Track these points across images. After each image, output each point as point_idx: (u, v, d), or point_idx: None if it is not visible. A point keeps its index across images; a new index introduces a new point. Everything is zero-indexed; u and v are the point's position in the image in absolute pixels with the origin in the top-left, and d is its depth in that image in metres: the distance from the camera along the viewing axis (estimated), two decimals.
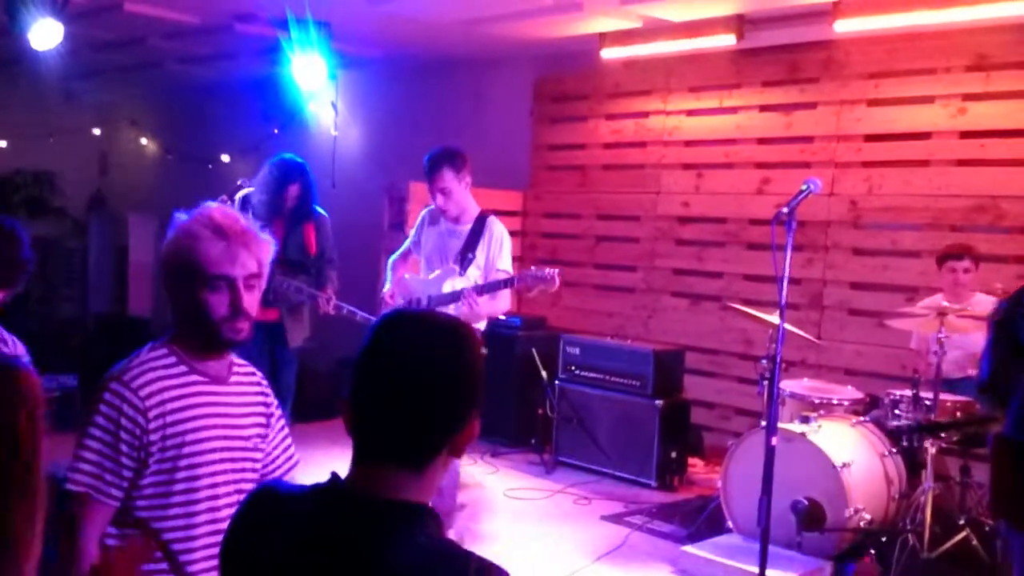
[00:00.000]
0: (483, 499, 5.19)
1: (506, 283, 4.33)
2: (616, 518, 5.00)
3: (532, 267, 4.34)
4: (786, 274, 3.42)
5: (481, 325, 4.39)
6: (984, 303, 4.56)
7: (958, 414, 4.38)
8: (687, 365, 6.04)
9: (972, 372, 4.48)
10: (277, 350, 5.00)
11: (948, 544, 4.10)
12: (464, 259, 4.36)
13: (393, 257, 4.74)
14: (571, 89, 7.37)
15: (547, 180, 7.53)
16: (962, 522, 4.18)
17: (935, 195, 5.52)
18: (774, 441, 3.24)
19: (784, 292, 3.38)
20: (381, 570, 1.21)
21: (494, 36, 6.81)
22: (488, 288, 4.30)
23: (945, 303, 4.63)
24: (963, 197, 5.42)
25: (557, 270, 4.25)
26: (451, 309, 4.23)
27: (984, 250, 5.06)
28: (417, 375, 1.28)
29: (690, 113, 6.70)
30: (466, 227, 4.42)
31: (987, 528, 4.16)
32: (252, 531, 1.36)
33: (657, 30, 6.32)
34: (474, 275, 4.36)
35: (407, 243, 4.72)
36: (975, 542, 4.10)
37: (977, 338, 4.63)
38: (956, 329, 4.50)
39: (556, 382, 6.01)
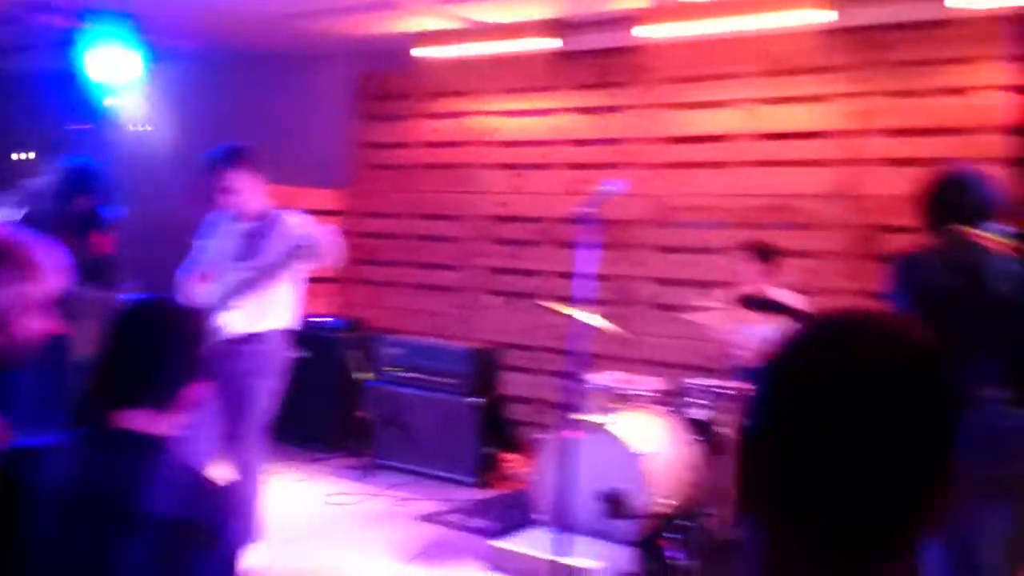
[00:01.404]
0: (299, 507, 5.07)
1: (285, 259, 4.00)
2: (433, 517, 4.98)
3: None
4: (584, 271, 3.50)
5: (283, 322, 4.23)
6: (781, 295, 4.80)
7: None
8: (504, 362, 6.10)
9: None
10: (61, 361, 4.67)
11: None
12: (248, 257, 4.13)
13: (183, 270, 4.37)
14: (393, 87, 7.33)
15: (368, 179, 7.45)
16: None
17: (735, 194, 5.79)
18: (572, 434, 3.30)
19: (585, 288, 3.45)
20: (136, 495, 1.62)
21: (314, 31, 6.69)
22: (268, 270, 4.03)
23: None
24: (761, 196, 5.70)
25: (327, 235, 3.96)
26: (250, 305, 4.08)
27: (781, 246, 5.33)
28: (130, 344, 1.79)
29: (508, 114, 6.78)
30: (249, 224, 4.20)
31: None
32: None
33: (475, 31, 6.36)
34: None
35: (194, 254, 4.40)
36: None
37: (770, 329, 4.89)
38: (754, 321, 4.71)
39: (374, 383, 5.94)
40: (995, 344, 2.84)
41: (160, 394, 1.75)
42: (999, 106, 4.96)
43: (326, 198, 7.31)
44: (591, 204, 3.79)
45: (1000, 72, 4.97)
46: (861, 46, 5.40)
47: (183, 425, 1.80)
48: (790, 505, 0.86)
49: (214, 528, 1.66)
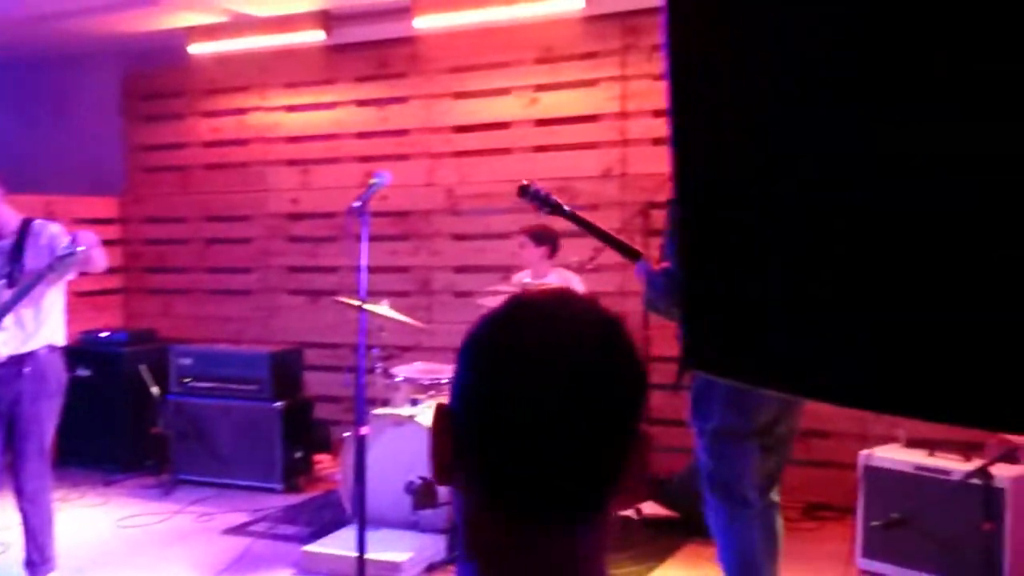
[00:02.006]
0: (92, 534, 4.84)
1: (38, 277, 3.81)
2: (239, 529, 4.88)
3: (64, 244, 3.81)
4: (364, 264, 3.53)
5: (54, 339, 4.03)
6: (563, 276, 4.99)
7: None
8: (308, 362, 6.03)
9: None
10: None
11: None
12: (12, 274, 3.90)
13: None
14: (164, 86, 7.03)
15: (145, 183, 7.14)
16: None
17: (518, 180, 5.93)
18: (364, 430, 3.35)
19: (364, 281, 3.48)
20: None
21: (74, 32, 6.32)
22: (21, 293, 3.82)
23: (527, 279, 5.01)
24: (542, 180, 5.87)
25: (89, 240, 3.78)
26: (13, 325, 3.87)
27: (562, 228, 5.54)
28: None
29: (290, 109, 6.67)
30: (7, 240, 3.96)
31: None
32: None
33: (245, 25, 6.21)
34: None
35: None
36: None
37: None
38: None
39: (169, 397, 5.73)
40: None
41: None
42: None
43: (100, 205, 6.96)
44: (363, 198, 3.82)
45: None
46: (620, 31, 5.66)
47: None
48: (484, 478, 0.89)
49: None
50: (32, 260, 3.91)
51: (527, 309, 0.95)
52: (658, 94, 5.59)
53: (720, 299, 0.87)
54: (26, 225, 4.01)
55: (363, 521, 3.61)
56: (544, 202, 3.84)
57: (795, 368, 0.81)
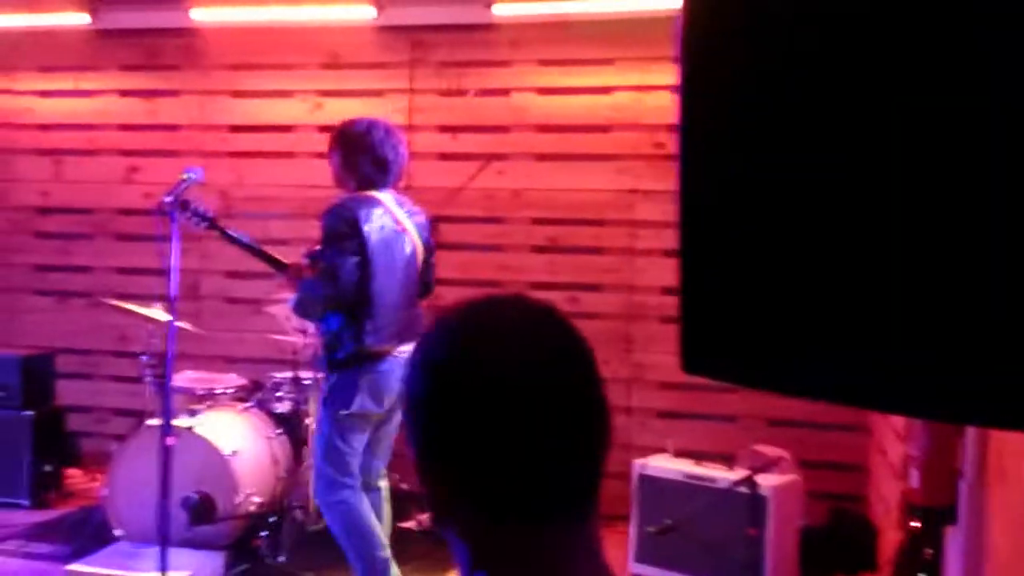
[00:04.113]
0: None
1: None
2: None
3: None
4: (167, 266, 3.38)
5: None
6: None
7: None
8: (58, 369, 5.58)
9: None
10: None
11: None
12: None
13: None
14: None
15: None
16: None
17: (299, 185, 5.85)
18: (170, 440, 3.19)
19: (175, 284, 3.32)
20: None
21: None
22: None
23: None
24: (322, 188, 5.81)
25: None
26: None
27: None
28: None
29: (43, 94, 6.17)
30: None
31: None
32: None
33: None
34: None
35: None
36: None
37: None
38: None
39: None
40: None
41: None
42: (530, 106, 5.57)
43: None
44: (174, 193, 3.66)
45: (530, 74, 5.58)
46: (409, 45, 5.74)
47: None
48: (485, 492, 0.92)
49: None
50: None
51: (476, 318, 0.98)
52: (444, 109, 5.75)
53: (724, 306, 0.96)
54: None
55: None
56: (202, 217, 3.95)
57: (802, 370, 0.90)
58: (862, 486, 4.86)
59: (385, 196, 3.69)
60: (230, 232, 3.93)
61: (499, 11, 5.38)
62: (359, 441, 3.59)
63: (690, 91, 1.05)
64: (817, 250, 0.86)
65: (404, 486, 4.83)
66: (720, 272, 0.97)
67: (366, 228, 3.49)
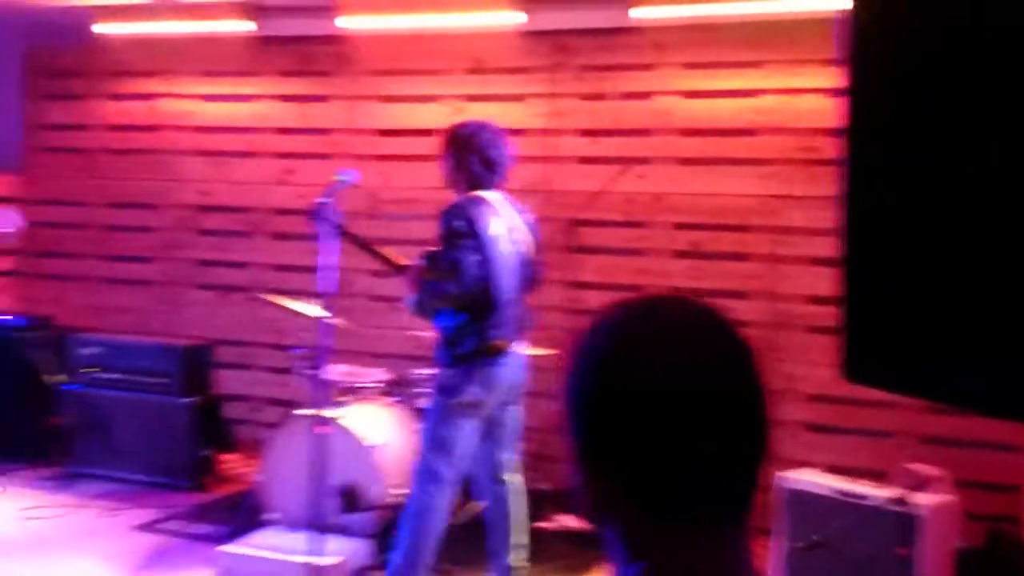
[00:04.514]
0: None
1: None
2: (149, 527, 4.74)
3: None
4: (324, 264, 3.52)
5: None
6: None
7: None
8: (216, 359, 5.89)
9: None
10: None
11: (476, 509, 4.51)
12: None
13: None
14: (69, 65, 6.75)
15: (46, 163, 6.82)
16: None
17: (440, 188, 5.97)
18: (321, 430, 3.33)
19: (326, 281, 3.45)
20: None
21: None
22: None
23: None
24: None
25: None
26: None
27: None
28: None
29: (206, 98, 6.51)
30: None
31: None
32: None
33: (165, 8, 6.04)
34: None
35: None
36: None
37: None
38: None
39: (70, 387, 5.50)
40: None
41: None
42: (675, 109, 5.54)
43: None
44: (327, 195, 3.81)
45: (675, 78, 5.55)
46: (553, 49, 5.79)
47: None
48: (644, 489, 0.93)
49: None
50: None
51: (643, 318, 0.99)
52: (586, 113, 5.77)
53: (887, 312, 0.96)
54: None
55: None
56: (335, 227, 4.09)
57: (964, 378, 0.90)
58: (1018, 507, 4.63)
59: (494, 196, 3.78)
60: (352, 235, 4.07)
61: (637, 14, 5.37)
62: (465, 433, 3.70)
63: (859, 94, 1.04)
64: (979, 255, 0.85)
65: (543, 486, 4.88)
66: (885, 277, 0.96)
67: (483, 227, 3.59)
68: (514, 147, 3.98)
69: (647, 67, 5.60)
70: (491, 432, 3.85)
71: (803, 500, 3.96)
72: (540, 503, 4.73)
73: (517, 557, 3.91)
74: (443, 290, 3.57)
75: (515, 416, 3.90)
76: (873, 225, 0.99)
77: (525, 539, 3.93)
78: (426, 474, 3.72)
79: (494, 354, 3.66)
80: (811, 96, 5.12)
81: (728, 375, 0.95)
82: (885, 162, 1.00)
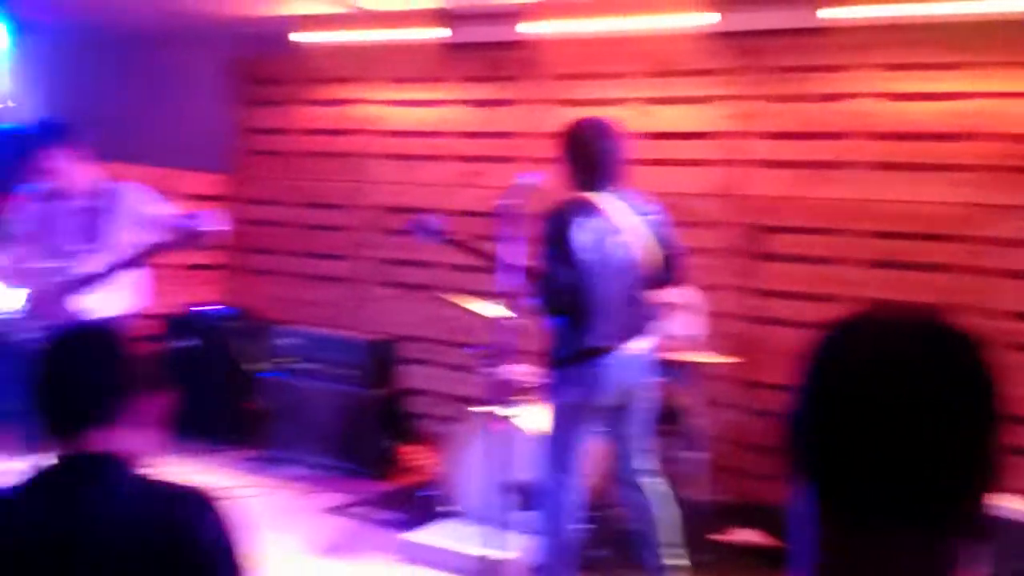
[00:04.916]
0: None
1: (151, 249, 4.01)
2: (335, 510, 4.99)
3: (181, 218, 3.99)
4: (510, 264, 3.58)
5: (135, 304, 4.14)
6: (678, 291, 4.99)
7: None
8: (399, 354, 6.13)
9: (667, 355, 4.92)
10: None
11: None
12: (94, 234, 4.04)
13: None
14: (272, 71, 7.18)
15: (251, 165, 7.29)
16: None
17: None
18: (497, 427, 3.41)
19: (506, 282, 3.51)
20: (90, 516, 1.61)
21: (189, 11, 6.46)
22: (132, 262, 4.00)
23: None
24: (649, 194, 5.92)
25: (205, 219, 3.96)
26: (94, 294, 3.98)
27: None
28: (79, 368, 1.77)
29: (395, 103, 6.78)
30: (89, 199, 4.08)
31: (682, 498, 4.62)
32: None
33: (358, 18, 6.32)
34: (111, 248, 4.06)
35: (7, 229, 4.23)
36: None
37: (671, 324, 5.12)
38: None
39: (269, 374, 5.85)
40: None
41: (111, 410, 1.72)
42: (872, 112, 5.32)
43: (206, 182, 7.11)
44: (510, 197, 3.87)
45: (872, 79, 5.34)
46: (741, 50, 5.69)
47: (154, 440, 1.81)
48: (846, 484, 0.95)
49: (213, 541, 1.69)
50: (114, 224, 4.05)
51: (872, 322, 1.01)
52: (773, 116, 5.63)
53: None
54: (104, 188, 4.12)
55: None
56: (436, 235, 4.29)
57: None
58: None
59: (601, 196, 3.69)
60: (466, 244, 4.21)
61: (824, 15, 5.19)
62: (578, 434, 3.72)
63: None
64: None
65: (722, 498, 4.81)
66: None
67: (574, 232, 3.53)
68: (627, 146, 3.88)
69: (839, 68, 5.41)
70: (616, 436, 3.84)
71: (1005, 528, 3.73)
72: (719, 515, 4.66)
73: (671, 557, 3.86)
74: (537, 297, 3.57)
75: (641, 420, 3.84)
76: None
77: (676, 540, 3.89)
78: (546, 470, 3.77)
79: (592, 357, 3.63)
80: (1017, 100, 4.82)
81: (956, 400, 0.95)
82: None
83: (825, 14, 5.22)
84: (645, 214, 3.82)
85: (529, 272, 3.70)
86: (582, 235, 3.59)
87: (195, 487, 1.72)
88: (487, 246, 4.24)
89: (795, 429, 1.00)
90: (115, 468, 1.68)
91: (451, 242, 4.32)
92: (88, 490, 1.63)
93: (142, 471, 1.73)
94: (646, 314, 3.77)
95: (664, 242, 3.85)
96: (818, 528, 0.99)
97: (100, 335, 1.83)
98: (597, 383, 3.67)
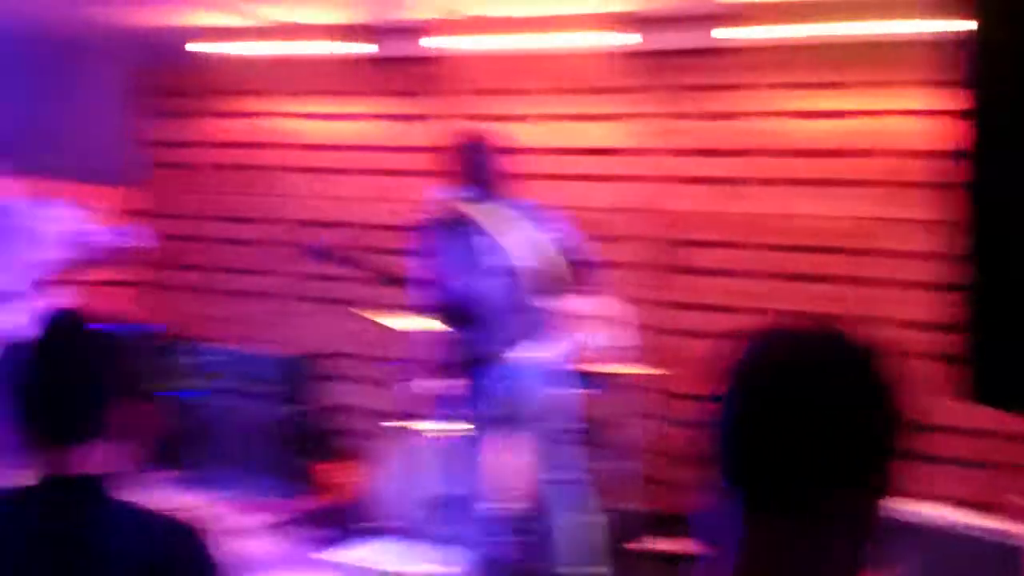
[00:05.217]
0: None
1: (69, 265, 4.07)
2: (252, 531, 4.93)
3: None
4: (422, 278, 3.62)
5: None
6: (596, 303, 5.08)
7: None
8: (317, 370, 6.10)
9: (584, 367, 5.01)
10: None
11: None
12: (10, 252, 4.00)
13: None
14: (176, 83, 7.07)
15: (161, 178, 7.15)
16: None
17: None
18: (416, 442, 3.45)
19: (416, 296, 3.54)
20: (79, 542, 1.52)
21: (92, 17, 6.29)
22: (48, 279, 4.01)
23: None
24: (559, 209, 6.02)
25: (127, 229, 3.95)
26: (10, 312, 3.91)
27: None
28: (61, 370, 1.59)
29: (307, 116, 6.76)
30: (5, 217, 4.04)
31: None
32: None
33: (269, 30, 6.26)
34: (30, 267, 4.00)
35: None
36: None
37: (589, 336, 5.21)
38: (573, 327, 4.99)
39: (180, 394, 5.76)
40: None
41: (99, 424, 1.58)
42: (775, 130, 5.56)
43: (106, 196, 6.93)
44: (423, 210, 3.90)
45: (770, 99, 5.57)
46: (645, 70, 5.85)
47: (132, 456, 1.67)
48: (761, 482, 1.06)
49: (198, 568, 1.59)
50: (29, 238, 4.00)
51: (785, 335, 1.13)
52: (680, 134, 5.80)
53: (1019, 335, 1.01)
54: (15, 201, 4.06)
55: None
56: (327, 256, 4.56)
57: None
58: None
59: (486, 207, 3.76)
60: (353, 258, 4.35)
61: (719, 35, 5.37)
62: (479, 442, 3.79)
63: (985, 116, 1.08)
64: None
65: (640, 507, 4.92)
66: (1018, 300, 1.01)
67: (458, 243, 3.62)
68: (513, 158, 3.98)
69: (736, 87, 5.62)
70: (526, 446, 3.88)
71: (908, 531, 3.91)
72: (636, 524, 4.77)
73: (589, 566, 3.91)
74: (422, 304, 3.63)
75: (549, 429, 3.86)
76: (1003, 248, 1.04)
77: (596, 549, 3.95)
78: (456, 485, 3.88)
79: (481, 365, 3.67)
80: (898, 118, 5.11)
81: (856, 404, 1.06)
82: (1015, 185, 1.05)
83: (720, 34, 5.40)
84: (539, 224, 3.87)
85: (424, 283, 3.73)
86: (466, 245, 3.64)
87: (181, 517, 1.64)
88: (389, 260, 4.27)
89: (717, 432, 1.09)
90: (101, 493, 1.56)
91: (344, 261, 4.34)
92: (74, 518, 1.52)
93: (124, 497, 1.61)
94: (538, 322, 3.80)
95: (565, 252, 3.90)
96: (736, 529, 1.08)
97: (90, 334, 1.65)
98: (488, 391, 3.70)
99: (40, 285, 3.93)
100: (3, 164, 4.11)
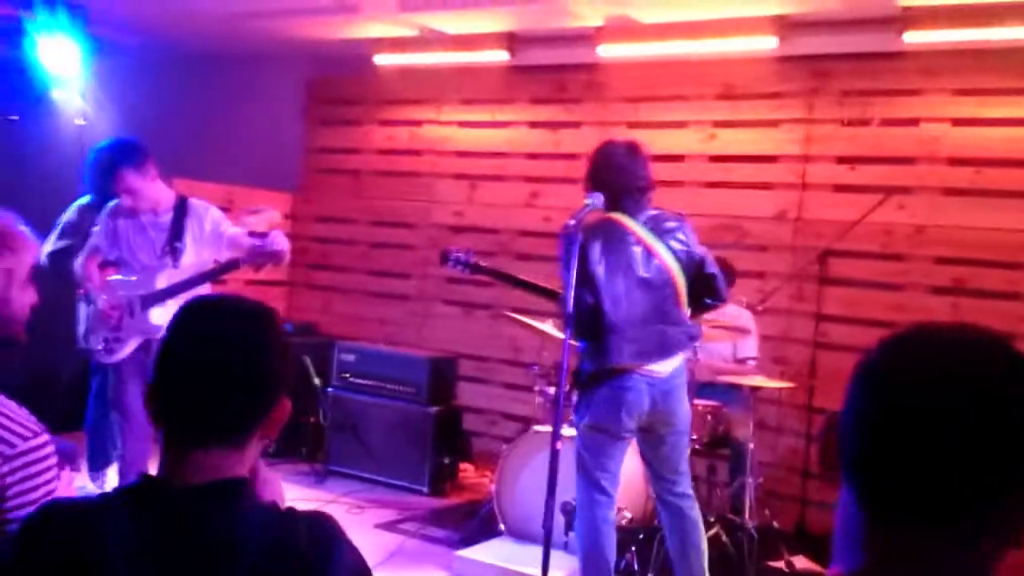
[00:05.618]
0: None
1: (227, 267, 4.20)
2: (390, 526, 5.00)
3: (254, 238, 4.11)
4: (567, 285, 3.55)
5: None
6: (732, 314, 4.95)
7: (708, 417, 4.73)
8: (459, 372, 6.15)
9: (720, 378, 4.86)
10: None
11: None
12: (174, 250, 4.17)
13: (80, 260, 4.35)
14: (345, 92, 7.32)
15: (319, 184, 7.42)
16: (712, 519, 4.51)
17: (689, 214, 5.92)
18: (558, 445, 3.38)
19: (570, 303, 3.46)
20: (225, 546, 1.29)
21: (265, 32, 6.63)
22: (212, 275, 4.18)
23: None
24: (710, 216, 5.86)
25: (280, 239, 4.05)
26: (172, 307, 4.08)
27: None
28: (229, 358, 1.37)
29: (463, 124, 6.84)
30: (167, 217, 4.21)
31: (736, 523, 4.54)
32: (46, 553, 1.28)
33: (432, 41, 6.40)
34: (189, 264, 4.19)
35: (91, 243, 4.35)
36: (724, 537, 4.46)
37: (724, 347, 5.05)
38: (707, 338, 4.85)
39: (329, 389, 5.92)
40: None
41: (261, 423, 1.39)
42: (943, 137, 5.20)
43: (274, 200, 7.25)
44: (577, 217, 3.84)
45: (944, 104, 5.22)
46: (808, 74, 5.61)
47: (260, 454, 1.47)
48: (873, 491, 0.99)
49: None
50: (189, 241, 4.18)
51: (926, 339, 1.02)
52: (844, 140, 5.53)
53: None
54: (182, 203, 4.24)
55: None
56: (465, 265, 4.37)
57: None
58: None
59: (625, 216, 3.65)
60: (499, 271, 4.35)
61: (911, 39, 5.07)
62: (606, 455, 3.66)
63: None
64: None
65: (775, 524, 4.71)
66: None
67: (590, 252, 3.51)
68: (652, 167, 3.85)
69: (913, 92, 5.31)
70: (651, 458, 3.78)
71: None
72: (771, 541, 4.56)
73: None
74: (566, 318, 3.49)
75: (675, 442, 3.75)
76: None
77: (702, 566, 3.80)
78: (581, 493, 3.73)
79: (613, 377, 3.57)
80: None
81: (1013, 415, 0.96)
82: None
83: (911, 38, 5.07)
84: (675, 235, 3.78)
85: (567, 291, 3.67)
86: (603, 256, 3.58)
87: (323, 514, 1.42)
88: (536, 268, 4.27)
89: (852, 438, 1.01)
90: (244, 492, 1.35)
91: (482, 270, 4.36)
92: (214, 517, 1.31)
93: (258, 501, 1.39)
94: (677, 334, 3.70)
95: (699, 263, 3.80)
96: (865, 532, 1.01)
97: (270, 330, 1.42)
98: (619, 404, 3.62)
99: (203, 283, 4.13)
100: (177, 167, 4.35)
